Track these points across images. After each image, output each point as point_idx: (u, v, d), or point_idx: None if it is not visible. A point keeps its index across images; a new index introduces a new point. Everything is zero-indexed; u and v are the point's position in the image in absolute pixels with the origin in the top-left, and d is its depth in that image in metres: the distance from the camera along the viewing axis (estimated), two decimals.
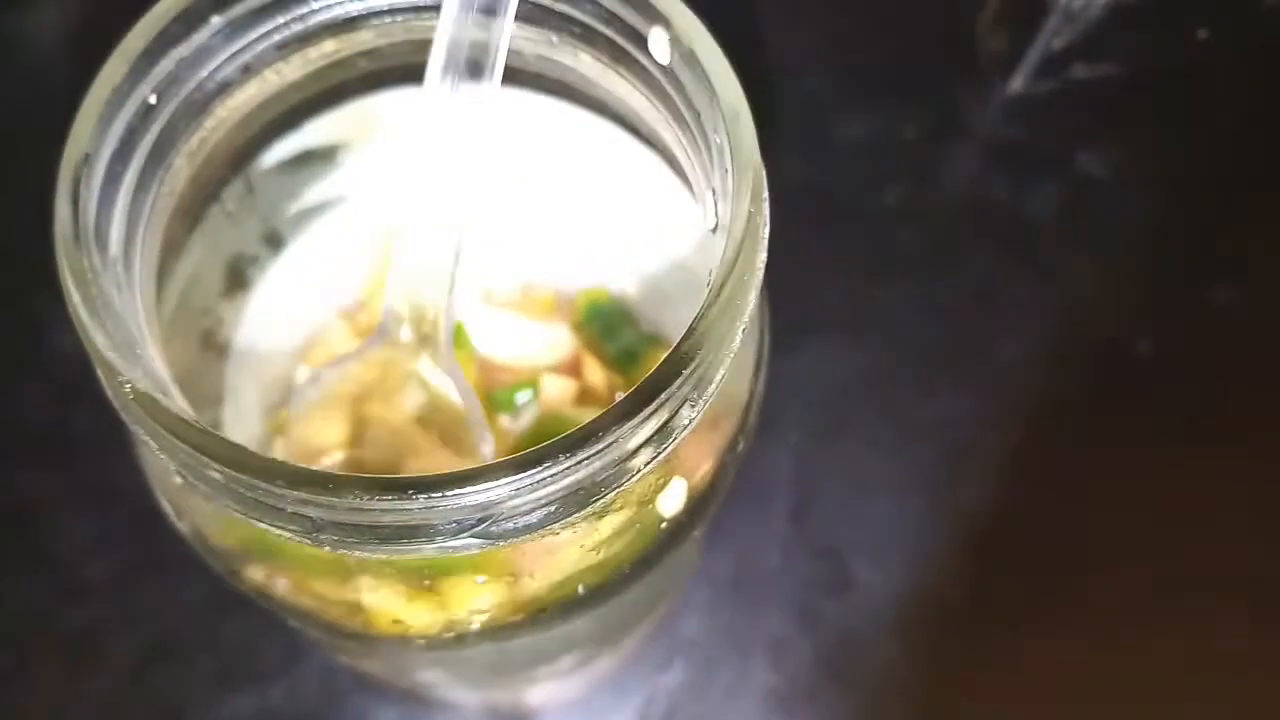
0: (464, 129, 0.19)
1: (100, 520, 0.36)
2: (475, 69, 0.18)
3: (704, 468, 0.19)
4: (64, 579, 0.35)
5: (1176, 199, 0.41)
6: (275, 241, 0.25)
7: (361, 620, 0.18)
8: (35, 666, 0.34)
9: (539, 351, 0.29)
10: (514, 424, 0.27)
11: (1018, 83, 0.37)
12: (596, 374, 0.29)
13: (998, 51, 0.37)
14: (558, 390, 0.29)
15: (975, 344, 0.39)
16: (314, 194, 0.25)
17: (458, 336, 0.25)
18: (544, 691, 0.31)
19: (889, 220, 0.41)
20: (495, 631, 0.18)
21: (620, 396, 0.28)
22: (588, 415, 0.27)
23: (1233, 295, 0.40)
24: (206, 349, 0.24)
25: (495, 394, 0.27)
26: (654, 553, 0.18)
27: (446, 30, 0.18)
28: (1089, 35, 0.34)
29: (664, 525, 0.18)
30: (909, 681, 0.35)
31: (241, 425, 0.24)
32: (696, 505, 0.19)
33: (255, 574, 0.18)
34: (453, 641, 0.18)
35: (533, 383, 0.28)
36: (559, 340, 0.29)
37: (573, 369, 0.29)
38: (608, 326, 0.29)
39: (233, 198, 0.23)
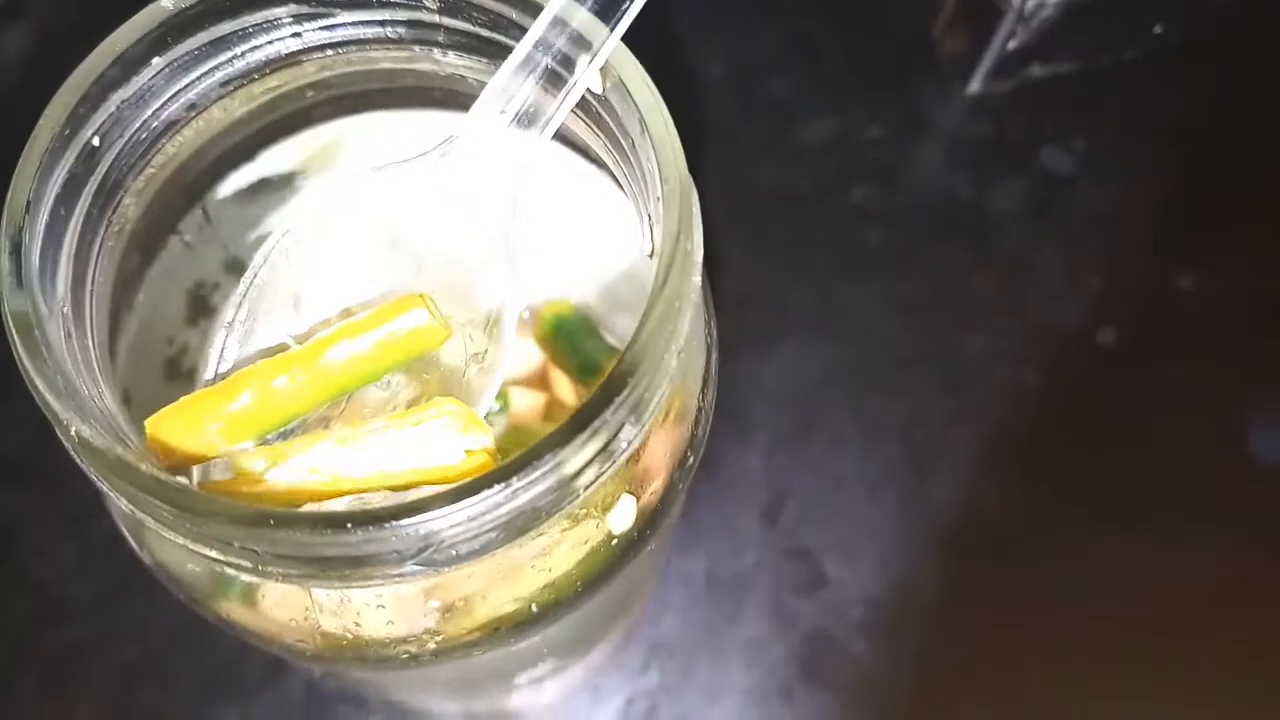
0: (503, 164, 0.19)
1: (80, 541, 0.36)
2: (530, 120, 0.18)
3: (654, 484, 0.19)
4: (45, 600, 0.35)
5: (1139, 191, 0.41)
6: (237, 268, 0.25)
7: (319, 643, 0.18)
8: (18, 688, 0.34)
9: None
10: None
11: (975, 84, 0.37)
12: (564, 387, 0.29)
13: (955, 53, 0.38)
14: (526, 403, 0.30)
15: (942, 340, 0.40)
16: (275, 220, 0.25)
17: None
18: (522, 698, 0.32)
19: (855, 220, 0.41)
20: (450, 651, 0.18)
21: None
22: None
23: (1196, 285, 0.40)
24: (172, 377, 0.24)
25: None
26: (606, 570, 0.19)
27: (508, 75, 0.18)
28: (1044, 34, 0.35)
29: (615, 542, 0.19)
30: (883, 678, 0.35)
31: None
32: (648, 521, 0.19)
33: (216, 602, 0.18)
34: (409, 661, 0.18)
35: (501, 396, 0.28)
36: (526, 354, 0.29)
37: (541, 382, 0.30)
38: (573, 339, 0.29)
39: (190, 228, 0.23)
